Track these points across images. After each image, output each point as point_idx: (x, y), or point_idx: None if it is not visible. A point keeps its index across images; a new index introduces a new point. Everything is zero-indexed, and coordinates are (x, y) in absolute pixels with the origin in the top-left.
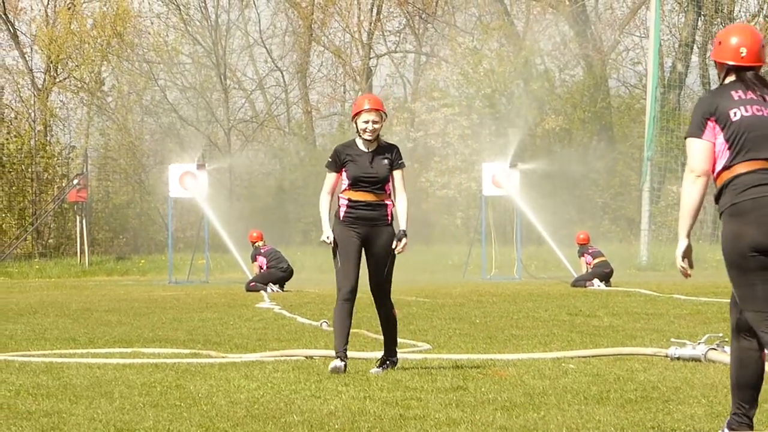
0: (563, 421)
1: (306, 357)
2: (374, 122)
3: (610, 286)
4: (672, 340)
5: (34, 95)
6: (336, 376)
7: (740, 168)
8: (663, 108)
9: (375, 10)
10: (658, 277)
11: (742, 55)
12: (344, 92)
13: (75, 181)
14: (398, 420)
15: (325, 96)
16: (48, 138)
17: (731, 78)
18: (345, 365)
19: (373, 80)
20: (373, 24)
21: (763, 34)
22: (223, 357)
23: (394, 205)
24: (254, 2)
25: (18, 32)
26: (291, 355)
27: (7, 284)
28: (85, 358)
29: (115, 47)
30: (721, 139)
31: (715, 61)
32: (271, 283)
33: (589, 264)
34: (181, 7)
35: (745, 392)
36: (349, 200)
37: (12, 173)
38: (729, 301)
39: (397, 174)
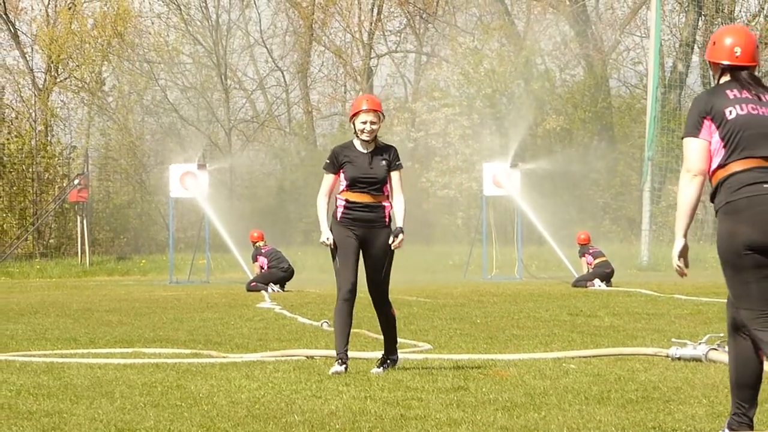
0: (564, 422)
1: (307, 357)
2: (372, 123)
3: (610, 286)
4: (673, 340)
5: (35, 95)
6: (337, 376)
7: (735, 166)
8: (664, 108)
9: (375, 10)
10: (659, 278)
11: (737, 54)
12: (345, 92)
13: (76, 181)
14: (399, 420)
15: (326, 96)
16: (49, 138)
17: (726, 78)
18: (346, 368)
19: (373, 80)
20: (373, 24)
21: (763, 34)
22: (224, 357)
23: (391, 207)
24: (255, 2)
25: (19, 32)
26: (292, 355)
27: (8, 284)
28: (86, 358)
29: (116, 47)
30: (716, 137)
31: (710, 62)
32: (271, 283)
33: (590, 264)
34: (182, 7)
35: (744, 391)
36: (347, 201)
37: (13, 173)
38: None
39: (394, 175)
